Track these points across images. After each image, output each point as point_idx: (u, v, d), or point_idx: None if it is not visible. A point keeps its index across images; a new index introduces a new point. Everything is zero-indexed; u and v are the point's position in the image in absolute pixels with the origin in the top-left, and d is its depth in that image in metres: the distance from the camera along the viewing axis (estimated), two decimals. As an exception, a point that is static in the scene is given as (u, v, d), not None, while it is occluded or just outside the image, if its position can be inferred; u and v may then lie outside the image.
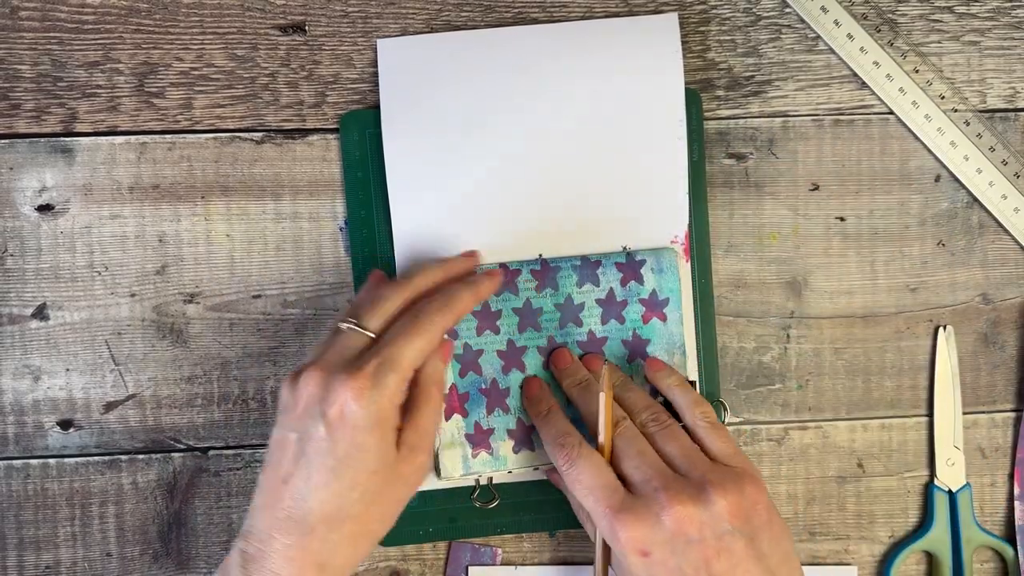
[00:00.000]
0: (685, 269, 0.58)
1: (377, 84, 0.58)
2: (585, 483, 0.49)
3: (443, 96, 0.57)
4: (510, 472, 0.57)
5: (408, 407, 0.50)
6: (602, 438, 0.51)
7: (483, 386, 0.57)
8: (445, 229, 0.57)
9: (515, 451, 0.57)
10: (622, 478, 0.50)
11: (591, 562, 0.59)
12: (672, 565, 0.47)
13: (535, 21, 0.58)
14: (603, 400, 0.51)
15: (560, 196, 0.58)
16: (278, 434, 0.49)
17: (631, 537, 0.47)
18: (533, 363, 0.57)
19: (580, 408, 0.54)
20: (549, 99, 0.57)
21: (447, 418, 0.57)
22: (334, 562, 0.47)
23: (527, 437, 0.57)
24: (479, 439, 0.57)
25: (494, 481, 0.58)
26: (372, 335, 0.50)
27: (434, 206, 0.57)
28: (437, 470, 0.57)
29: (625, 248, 0.58)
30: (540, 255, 0.58)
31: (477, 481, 0.58)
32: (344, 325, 0.50)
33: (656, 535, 0.47)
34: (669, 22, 0.58)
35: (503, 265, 0.57)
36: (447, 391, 0.56)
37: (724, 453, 0.51)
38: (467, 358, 0.57)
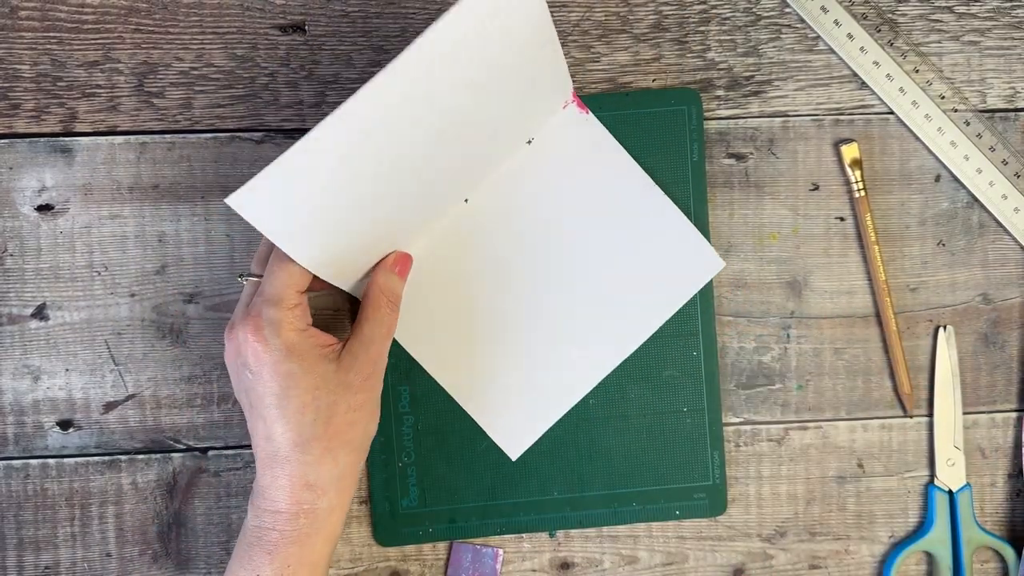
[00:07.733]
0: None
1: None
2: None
3: None
4: None
5: (356, 318, 0.53)
6: None
7: None
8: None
9: None
10: None
11: (592, 562, 0.59)
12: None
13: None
14: None
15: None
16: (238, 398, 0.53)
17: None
18: None
19: None
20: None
21: None
22: (321, 478, 0.50)
23: None
24: None
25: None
26: (258, 278, 0.52)
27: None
28: None
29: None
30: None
31: None
32: (240, 279, 0.53)
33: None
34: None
35: None
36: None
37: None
38: None
